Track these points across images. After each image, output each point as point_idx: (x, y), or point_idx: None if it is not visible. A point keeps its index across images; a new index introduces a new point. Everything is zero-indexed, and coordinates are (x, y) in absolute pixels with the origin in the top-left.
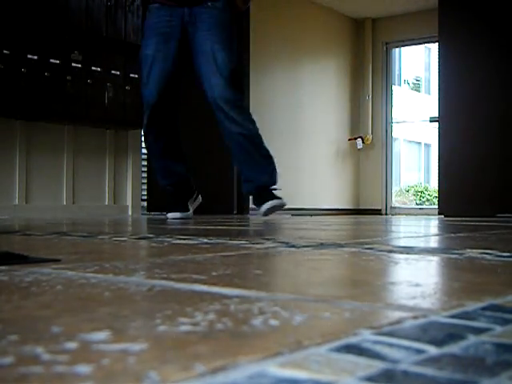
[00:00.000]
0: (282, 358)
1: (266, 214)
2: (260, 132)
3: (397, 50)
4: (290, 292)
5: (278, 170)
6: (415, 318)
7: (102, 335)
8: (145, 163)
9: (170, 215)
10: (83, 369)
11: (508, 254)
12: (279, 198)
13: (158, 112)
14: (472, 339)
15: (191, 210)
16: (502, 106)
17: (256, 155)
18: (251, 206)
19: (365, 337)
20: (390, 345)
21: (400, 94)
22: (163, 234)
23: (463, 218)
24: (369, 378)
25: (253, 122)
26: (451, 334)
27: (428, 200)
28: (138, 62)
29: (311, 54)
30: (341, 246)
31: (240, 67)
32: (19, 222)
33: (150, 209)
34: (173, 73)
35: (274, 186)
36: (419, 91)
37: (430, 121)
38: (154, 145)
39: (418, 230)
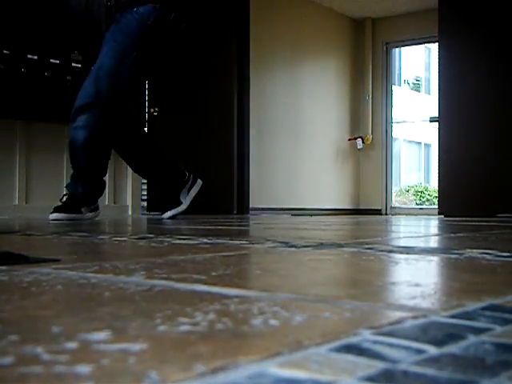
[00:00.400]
0: (281, 357)
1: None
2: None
3: (397, 50)
4: (290, 292)
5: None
6: (415, 318)
7: (102, 335)
8: None
9: (165, 215)
10: (83, 369)
11: (508, 254)
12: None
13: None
14: (472, 339)
15: (186, 201)
16: (501, 105)
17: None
18: (251, 206)
19: (365, 337)
20: (390, 345)
21: (400, 94)
22: (163, 234)
23: (463, 218)
24: (369, 378)
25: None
26: (451, 334)
27: (428, 200)
28: None
29: (311, 54)
30: (341, 246)
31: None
32: (19, 221)
33: (149, 209)
34: None
35: None
36: (419, 91)
37: (430, 121)
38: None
39: (417, 230)
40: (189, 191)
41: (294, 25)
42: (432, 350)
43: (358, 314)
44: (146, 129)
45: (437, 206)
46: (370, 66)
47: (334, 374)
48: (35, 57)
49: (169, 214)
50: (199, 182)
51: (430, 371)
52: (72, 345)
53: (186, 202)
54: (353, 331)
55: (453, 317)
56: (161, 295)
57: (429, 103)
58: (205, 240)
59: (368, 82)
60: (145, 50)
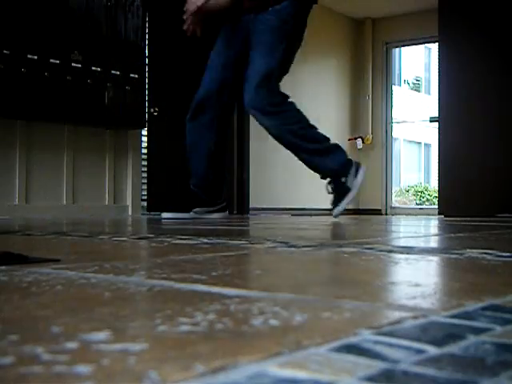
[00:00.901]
0: (281, 357)
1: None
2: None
3: (397, 49)
4: (290, 292)
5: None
6: (415, 317)
7: (102, 335)
8: (145, 163)
9: (164, 215)
10: (83, 369)
11: (508, 254)
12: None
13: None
14: (472, 339)
15: (194, 215)
16: (501, 105)
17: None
18: (251, 206)
19: (365, 337)
20: (390, 345)
21: (400, 94)
22: (163, 234)
23: (463, 218)
24: (369, 378)
25: (288, 121)
26: (451, 334)
27: (428, 200)
28: (137, 61)
29: (311, 54)
30: (341, 246)
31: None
32: (19, 222)
33: (150, 209)
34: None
35: None
36: (419, 91)
37: (430, 121)
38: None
39: (417, 230)
40: (206, 213)
41: None
42: (432, 350)
43: (358, 314)
44: (146, 129)
45: (437, 206)
46: (370, 66)
47: (334, 374)
48: (35, 57)
49: (170, 215)
50: (223, 213)
51: (430, 371)
52: (72, 345)
53: (354, 187)
54: (353, 331)
55: (453, 317)
56: (161, 295)
57: (429, 103)
58: (205, 240)
59: (368, 82)
60: (292, 44)
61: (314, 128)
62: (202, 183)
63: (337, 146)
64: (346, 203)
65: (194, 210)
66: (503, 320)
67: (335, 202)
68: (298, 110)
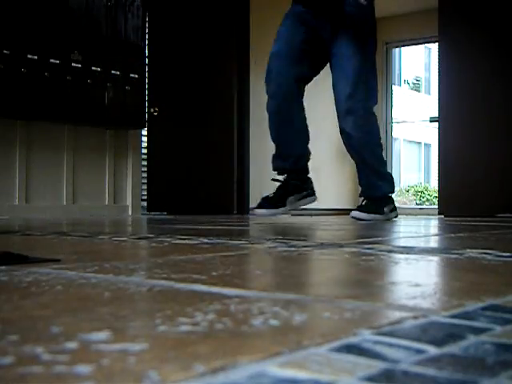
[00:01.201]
0: (281, 357)
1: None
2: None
3: (397, 49)
4: (290, 292)
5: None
6: (415, 318)
7: (102, 335)
8: (145, 163)
9: (258, 212)
10: (83, 369)
11: (508, 254)
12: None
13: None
14: (472, 339)
15: (288, 207)
16: (501, 105)
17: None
18: (251, 206)
19: (365, 337)
20: (390, 345)
21: (400, 94)
22: (163, 234)
23: (463, 218)
24: (369, 378)
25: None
26: (451, 334)
27: (428, 200)
28: (137, 61)
29: None
30: (341, 245)
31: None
32: (19, 222)
33: (150, 209)
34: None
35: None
36: (419, 91)
37: (430, 121)
38: None
39: (418, 230)
40: (297, 200)
41: None
42: (432, 350)
43: (358, 314)
44: (146, 129)
45: (437, 206)
46: None
47: (334, 373)
48: (35, 57)
49: (265, 211)
50: (313, 198)
51: (430, 371)
52: (72, 345)
53: (289, 206)
54: (353, 331)
55: (453, 317)
56: (161, 295)
57: (429, 103)
58: (205, 240)
59: None
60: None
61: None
62: (297, 165)
63: (391, 176)
64: (376, 219)
65: (289, 199)
66: (503, 320)
67: (367, 210)
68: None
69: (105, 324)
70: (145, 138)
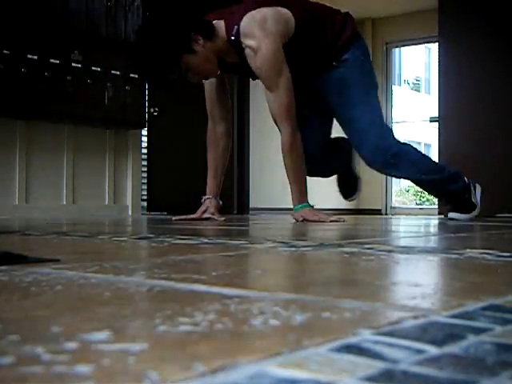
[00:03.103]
0: (281, 357)
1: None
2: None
3: (397, 50)
4: (290, 292)
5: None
6: (415, 317)
7: (102, 335)
8: (145, 163)
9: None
10: (83, 369)
11: (508, 254)
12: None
13: None
14: (472, 339)
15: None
16: (502, 105)
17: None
18: (251, 206)
19: (365, 337)
20: (390, 345)
21: (400, 94)
22: (163, 234)
23: None
24: (369, 378)
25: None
26: (451, 334)
27: (428, 200)
28: None
29: None
30: (341, 245)
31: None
32: (19, 222)
33: (150, 209)
34: None
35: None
36: (419, 91)
37: (430, 121)
38: None
39: (417, 229)
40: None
41: None
42: (432, 350)
43: (358, 314)
44: (146, 129)
45: (437, 206)
46: None
47: (334, 373)
48: (35, 57)
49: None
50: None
51: (430, 371)
52: (72, 345)
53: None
54: (353, 331)
55: (453, 317)
56: (161, 295)
57: (429, 103)
58: (205, 240)
59: None
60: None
61: (429, 158)
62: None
63: (456, 173)
64: (469, 217)
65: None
66: (503, 320)
67: (457, 209)
68: (416, 150)
69: (105, 324)
70: (145, 138)
